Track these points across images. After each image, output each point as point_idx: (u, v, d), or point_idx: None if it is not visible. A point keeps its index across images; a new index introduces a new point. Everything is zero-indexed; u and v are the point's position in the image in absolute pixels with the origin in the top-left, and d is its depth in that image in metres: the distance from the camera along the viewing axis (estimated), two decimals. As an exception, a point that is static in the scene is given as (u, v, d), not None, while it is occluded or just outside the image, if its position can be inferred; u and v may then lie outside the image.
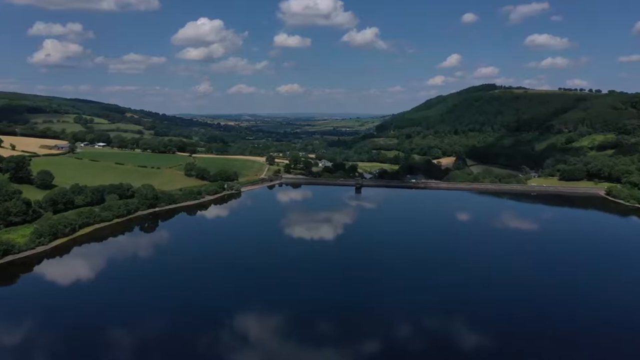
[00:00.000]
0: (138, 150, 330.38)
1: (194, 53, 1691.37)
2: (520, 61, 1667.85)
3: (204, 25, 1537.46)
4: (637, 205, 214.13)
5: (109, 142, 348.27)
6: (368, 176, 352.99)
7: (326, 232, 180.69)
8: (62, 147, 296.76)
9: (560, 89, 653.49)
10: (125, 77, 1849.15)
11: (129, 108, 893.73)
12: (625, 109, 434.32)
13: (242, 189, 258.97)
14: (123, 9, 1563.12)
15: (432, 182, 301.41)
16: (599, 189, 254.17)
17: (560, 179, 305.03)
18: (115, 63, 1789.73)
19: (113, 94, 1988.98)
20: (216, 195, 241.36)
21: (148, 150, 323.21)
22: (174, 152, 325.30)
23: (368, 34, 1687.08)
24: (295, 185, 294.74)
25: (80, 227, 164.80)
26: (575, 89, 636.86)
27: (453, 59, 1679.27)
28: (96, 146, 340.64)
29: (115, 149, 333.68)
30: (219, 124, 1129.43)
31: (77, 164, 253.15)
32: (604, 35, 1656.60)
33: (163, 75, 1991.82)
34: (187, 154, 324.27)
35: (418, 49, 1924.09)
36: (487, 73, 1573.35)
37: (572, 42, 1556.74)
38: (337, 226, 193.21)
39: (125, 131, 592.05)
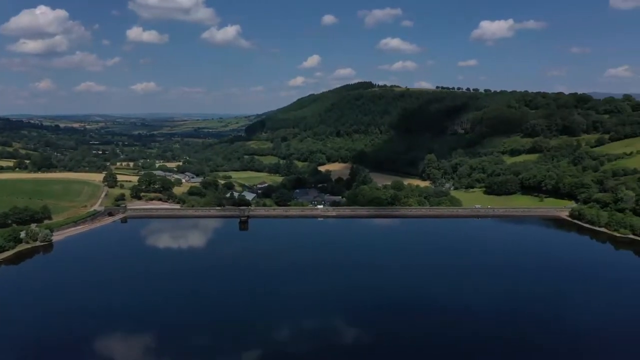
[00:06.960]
0: None
1: (31, 45, 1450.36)
2: (374, 63, 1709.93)
3: (44, 15, 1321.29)
4: (630, 236, 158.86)
5: None
6: (250, 195, 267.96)
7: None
8: None
9: (437, 87, 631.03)
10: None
11: None
12: (519, 107, 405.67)
13: (58, 236, 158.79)
14: None
15: (346, 209, 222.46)
16: (558, 209, 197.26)
17: (488, 193, 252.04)
18: None
19: None
20: (3, 255, 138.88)
21: None
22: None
23: (230, 32, 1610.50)
24: (148, 220, 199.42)
25: None
26: (459, 88, 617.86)
27: (313, 60, 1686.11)
28: None
29: None
30: (57, 125, 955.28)
31: None
32: (447, 41, 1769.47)
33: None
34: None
35: (280, 48, 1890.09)
36: (344, 74, 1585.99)
37: (420, 47, 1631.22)
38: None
39: None
